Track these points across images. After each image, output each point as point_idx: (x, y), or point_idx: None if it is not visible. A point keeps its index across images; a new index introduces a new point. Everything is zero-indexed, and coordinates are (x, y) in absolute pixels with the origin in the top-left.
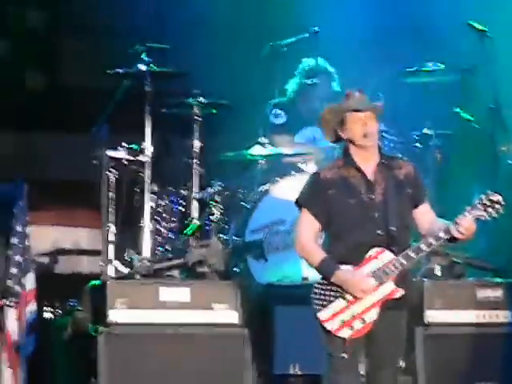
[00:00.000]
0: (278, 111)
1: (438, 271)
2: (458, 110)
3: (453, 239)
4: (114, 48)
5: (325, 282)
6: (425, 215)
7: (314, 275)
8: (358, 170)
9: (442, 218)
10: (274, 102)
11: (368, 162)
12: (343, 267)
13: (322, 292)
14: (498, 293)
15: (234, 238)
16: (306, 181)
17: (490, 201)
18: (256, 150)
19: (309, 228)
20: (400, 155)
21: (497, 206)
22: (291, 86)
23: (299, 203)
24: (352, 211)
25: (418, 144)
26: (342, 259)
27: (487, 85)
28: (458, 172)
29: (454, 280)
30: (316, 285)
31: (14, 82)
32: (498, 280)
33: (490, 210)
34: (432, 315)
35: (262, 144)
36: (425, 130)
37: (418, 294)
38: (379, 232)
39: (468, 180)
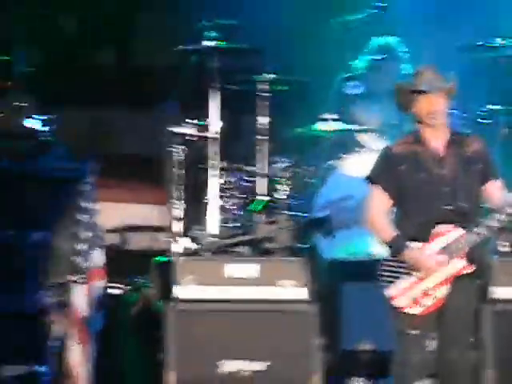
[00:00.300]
0: (355, 82)
1: (505, 247)
2: None
3: None
4: (183, 24)
5: (393, 258)
6: (495, 191)
7: (381, 251)
8: (427, 145)
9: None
10: (346, 75)
11: (437, 138)
12: (412, 245)
13: (391, 268)
14: None
15: (301, 214)
16: (377, 156)
17: None
18: (322, 126)
19: (379, 203)
20: (468, 131)
21: None
22: (360, 63)
23: (370, 178)
24: (422, 187)
25: (484, 120)
26: (412, 235)
27: None
28: None
29: None
30: (384, 261)
31: (82, 60)
32: None
33: None
34: (499, 292)
35: (327, 120)
36: (491, 106)
37: (486, 271)
38: (449, 207)
39: None
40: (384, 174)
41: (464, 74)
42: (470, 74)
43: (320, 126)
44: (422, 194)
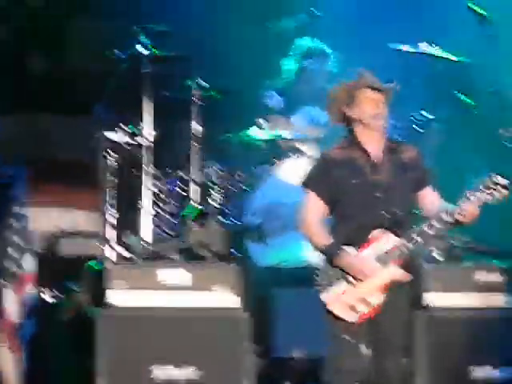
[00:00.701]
0: (273, 93)
1: (437, 254)
2: (457, 93)
3: (456, 222)
4: (116, 30)
5: (328, 264)
6: (429, 199)
7: (314, 258)
8: (364, 150)
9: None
10: (269, 83)
11: (373, 143)
12: (347, 250)
13: (326, 274)
14: (496, 276)
15: (233, 220)
16: (312, 161)
17: (495, 184)
18: (255, 132)
19: (314, 209)
20: (400, 139)
21: (502, 189)
22: (288, 66)
23: (305, 184)
24: (357, 192)
25: (417, 128)
26: (347, 240)
27: (487, 68)
28: (458, 155)
29: (452, 263)
30: (320, 267)
31: (14, 64)
32: (497, 263)
33: (494, 193)
34: (431, 298)
35: (260, 126)
36: (424, 114)
37: (418, 278)
38: (383, 213)
39: (468, 163)
40: (319, 179)
41: (397, 82)
42: (404, 81)
43: (254, 133)
44: (357, 199)
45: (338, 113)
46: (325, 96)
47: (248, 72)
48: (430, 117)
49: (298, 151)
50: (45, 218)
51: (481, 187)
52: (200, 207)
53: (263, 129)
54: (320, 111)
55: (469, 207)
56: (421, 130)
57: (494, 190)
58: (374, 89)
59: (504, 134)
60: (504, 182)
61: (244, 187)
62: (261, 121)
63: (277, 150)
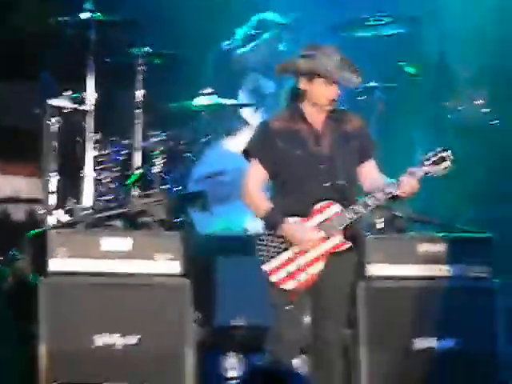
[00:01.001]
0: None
1: (379, 225)
2: (402, 63)
3: (398, 196)
4: None
5: (271, 233)
6: (370, 170)
7: (257, 226)
8: (306, 121)
9: (383, 172)
10: (225, 47)
11: (316, 114)
12: (290, 220)
13: (268, 243)
14: (439, 247)
15: (176, 188)
16: (254, 130)
17: (440, 158)
18: (200, 101)
19: (256, 177)
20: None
21: (446, 162)
22: (239, 34)
23: (247, 152)
24: (299, 163)
25: (361, 97)
26: (288, 210)
27: (433, 39)
28: (401, 126)
29: (395, 234)
30: (262, 236)
31: None
32: (439, 234)
33: (439, 166)
34: (373, 269)
35: (204, 94)
36: (369, 83)
37: (360, 248)
38: (326, 184)
39: (411, 134)
40: (261, 148)
41: (343, 51)
42: (347, 51)
43: (197, 101)
44: (299, 170)
45: (290, 74)
46: (272, 67)
47: (194, 39)
48: (374, 84)
49: (242, 119)
50: None
51: (425, 160)
52: (141, 172)
53: (208, 96)
54: (267, 80)
55: (410, 181)
56: (364, 99)
57: (438, 163)
58: (337, 84)
59: (448, 107)
60: (447, 154)
61: (188, 155)
62: (206, 89)
63: (221, 118)
